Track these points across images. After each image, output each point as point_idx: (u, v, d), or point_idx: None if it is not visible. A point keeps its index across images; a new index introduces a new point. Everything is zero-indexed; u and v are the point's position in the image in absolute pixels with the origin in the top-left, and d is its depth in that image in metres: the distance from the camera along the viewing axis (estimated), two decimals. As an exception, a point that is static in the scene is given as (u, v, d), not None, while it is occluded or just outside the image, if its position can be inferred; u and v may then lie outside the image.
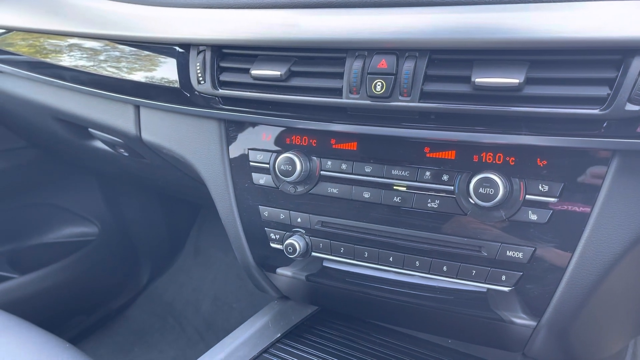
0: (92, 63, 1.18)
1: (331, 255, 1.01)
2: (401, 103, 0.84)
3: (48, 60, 1.27)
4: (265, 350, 1.09)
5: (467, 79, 0.80)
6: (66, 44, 1.23)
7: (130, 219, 2.34)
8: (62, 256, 2.14)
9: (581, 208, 0.81)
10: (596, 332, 0.94)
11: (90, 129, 1.36)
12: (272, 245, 1.06)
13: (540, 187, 0.82)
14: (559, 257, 0.84)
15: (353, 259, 0.99)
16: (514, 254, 0.86)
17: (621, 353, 1.23)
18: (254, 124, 1.02)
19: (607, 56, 0.73)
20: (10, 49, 1.35)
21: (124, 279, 2.38)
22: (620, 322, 0.98)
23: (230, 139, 1.06)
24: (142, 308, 2.37)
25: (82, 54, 1.20)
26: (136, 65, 1.11)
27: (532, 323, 0.90)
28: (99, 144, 1.44)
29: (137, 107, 1.17)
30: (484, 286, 0.91)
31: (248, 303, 2.26)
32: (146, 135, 1.17)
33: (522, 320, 0.92)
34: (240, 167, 1.05)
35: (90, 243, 2.23)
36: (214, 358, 1.05)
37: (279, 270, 1.12)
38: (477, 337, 1.04)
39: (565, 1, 0.75)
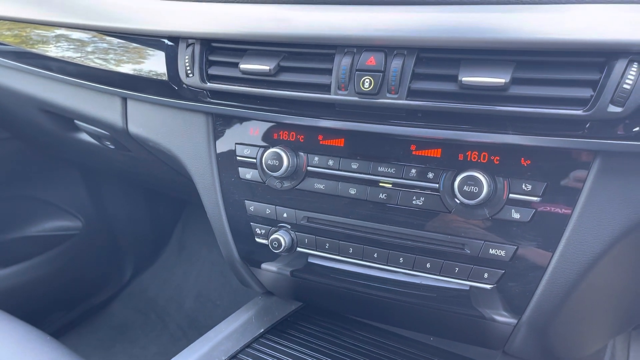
0: (79, 54, 1.17)
1: (316, 250, 1.01)
2: (389, 100, 0.85)
3: (35, 50, 1.26)
4: (248, 345, 1.09)
5: (454, 78, 0.81)
6: (53, 34, 1.22)
7: (114, 213, 2.32)
8: (44, 250, 2.11)
9: (563, 208, 0.82)
10: (575, 331, 0.95)
11: (76, 121, 1.35)
12: (258, 240, 1.06)
13: (523, 186, 0.83)
14: (540, 255, 0.86)
15: (338, 255, 1.00)
16: (496, 252, 0.87)
17: (600, 353, 1.25)
18: (241, 119, 1.03)
19: (591, 58, 0.74)
20: (-4, 38, 1.34)
21: (107, 274, 2.36)
22: (599, 322, 0.99)
23: (217, 133, 1.06)
24: (124, 304, 2.36)
25: (69, 45, 1.19)
26: (124, 58, 1.11)
27: (513, 321, 0.92)
28: (84, 137, 1.43)
29: (124, 100, 1.16)
30: (467, 283, 0.92)
31: (231, 300, 2.26)
32: (133, 128, 1.17)
33: (503, 317, 0.93)
34: (227, 161, 1.05)
35: (73, 237, 2.20)
36: (198, 352, 1.05)
37: (264, 266, 1.12)
38: (458, 335, 1.05)
39: (551, 3, 0.76)
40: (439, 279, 0.94)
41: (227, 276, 2.31)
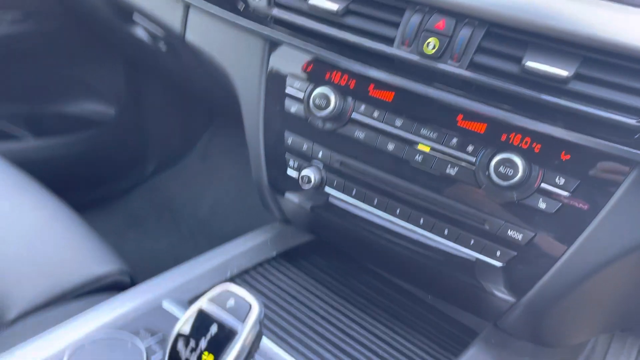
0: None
1: (342, 193, 1.05)
2: (448, 67, 0.85)
3: None
4: (260, 265, 1.16)
5: (518, 60, 0.81)
6: None
7: (147, 108, 2.37)
8: (76, 130, 2.19)
9: (589, 208, 0.84)
10: (569, 322, 1.00)
11: (135, 15, 1.36)
12: (289, 171, 1.10)
13: (557, 179, 0.85)
14: (554, 247, 0.89)
15: (362, 202, 1.03)
16: (514, 234, 0.90)
17: (582, 344, 1.31)
18: (298, 52, 1.03)
19: (660, 71, 0.74)
20: None
21: (130, 165, 2.44)
22: (594, 319, 1.04)
23: (272, 61, 1.07)
24: (142, 197, 2.45)
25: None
26: (194, -37, 1.11)
27: (512, 300, 0.96)
28: (138, 32, 1.45)
29: (187, 7, 1.17)
30: (477, 256, 0.95)
31: (244, 217, 2.33)
32: (190, 36, 1.18)
33: (503, 295, 0.97)
34: (275, 90, 1.07)
35: (105, 124, 2.27)
36: (212, 261, 1.12)
37: (288, 195, 1.17)
38: (456, 300, 1.10)
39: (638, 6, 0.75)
40: (450, 246, 0.98)
41: (244, 194, 2.38)
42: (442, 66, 0.86)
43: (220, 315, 0.65)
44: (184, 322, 0.66)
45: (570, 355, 1.28)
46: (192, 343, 0.64)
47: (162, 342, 0.85)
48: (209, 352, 0.63)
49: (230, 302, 0.66)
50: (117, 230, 2.31)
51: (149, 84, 2.32)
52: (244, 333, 0.64)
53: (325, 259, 1.22)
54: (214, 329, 0.65)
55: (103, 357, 0.76)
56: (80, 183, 2.30)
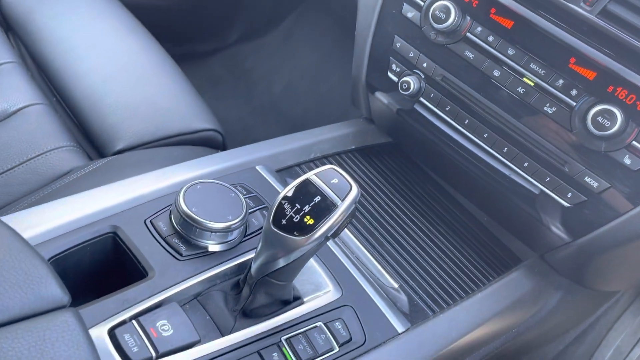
0: None
1: (437, 108, 1.10)
2: (579, 9, 0.87)
3: None
4: (338, 154, 1.25)
5: (651, 17, 0.82)
6: None
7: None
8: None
9: (670, 175, 0.88)
10: (611, 269, 1.08)
11: None
12: (389, 74, 1.15)
13: (650, 141, 0.88)
14: (623, 202, 0.94)
15: (453, 120, 1.09)
16: (590, 181, 0.95)
17: (609, 295, 1.40)
18: (429, -42, 1.04)
19: None
20: None
21: (216, 29, 2.49)
22: (634, 272, 1.11)
23: (401, -41, 1.08)
24: (221, 63, 2.53)
25: None
26: None
27: (568, 239, 1.04)
28: None
29: None
30: (547, 192, 1.01)
31: (314, 104, 2.41)
32: None
33: (559, 232, 1.04)
34: (397, -9, 1.10)
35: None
36: (298, 142, 1.21)
37: (379, 95, 1.23)
38: (512, 226, 1.18)
39: None
40: (524, 176, 1.04)
41: (317, 83, 2.43)
42: (573, 6, 0.87)
43: (325, 189, 0.75)
44: (292, 188, 0.76)
45: (597, 301, 1.37)
46: (297, 205, 0.75)
47: (256, 200, 0.97)
48: (310, 216, 0.74)
49: (334, 181, 0.76)
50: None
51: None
52: (342, 207, 0.74)
53: (396, 163, 1.30)
54: (317, 198, 0.75)
55: (211, 197, 0.88)
56: (167, 37, 2.38)
